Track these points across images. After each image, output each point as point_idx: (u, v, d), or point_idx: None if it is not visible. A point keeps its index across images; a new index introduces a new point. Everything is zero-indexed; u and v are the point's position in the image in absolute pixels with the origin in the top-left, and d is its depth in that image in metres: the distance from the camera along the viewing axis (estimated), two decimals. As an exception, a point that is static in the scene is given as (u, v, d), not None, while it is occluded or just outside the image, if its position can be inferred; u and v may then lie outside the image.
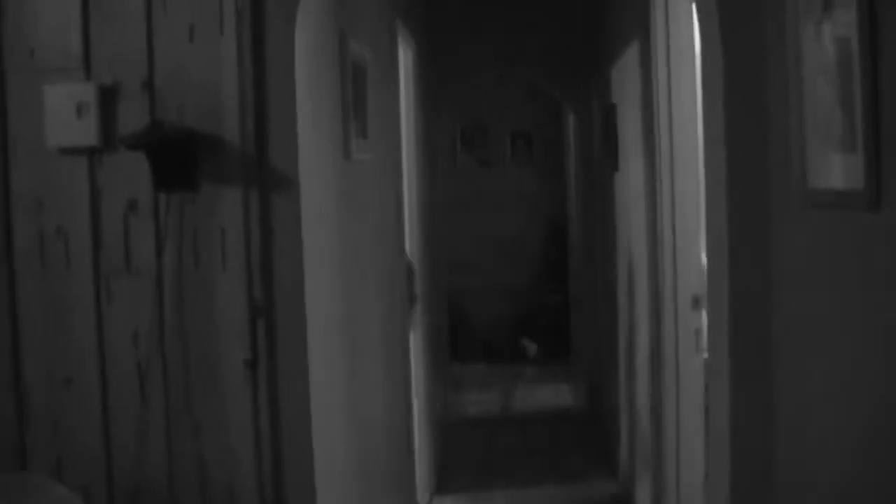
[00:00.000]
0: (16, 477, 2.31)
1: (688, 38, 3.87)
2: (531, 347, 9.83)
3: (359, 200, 3.38)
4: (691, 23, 3.74)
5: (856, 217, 1.88)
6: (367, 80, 3.41)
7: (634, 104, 4.77)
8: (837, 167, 1.95)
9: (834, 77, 1.95)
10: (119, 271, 2.51)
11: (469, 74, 7.40)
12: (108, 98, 2.49)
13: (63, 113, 2.48)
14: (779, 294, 2.44)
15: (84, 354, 2.53)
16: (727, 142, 2.56)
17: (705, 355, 4.03)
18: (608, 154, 5.95)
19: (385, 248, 4.00)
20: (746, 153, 2.53)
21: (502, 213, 9.93)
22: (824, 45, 2.00)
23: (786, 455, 2.42)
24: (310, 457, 2.50)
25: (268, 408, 2.48)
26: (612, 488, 5.92)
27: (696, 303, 4.00)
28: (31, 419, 2.56)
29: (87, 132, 2.48)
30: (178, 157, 2.43)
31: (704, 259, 4.27)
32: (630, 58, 4.89)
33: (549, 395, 8.49)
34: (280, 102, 2.45)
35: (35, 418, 2.56)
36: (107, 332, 2.53)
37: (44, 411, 2.56)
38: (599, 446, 6.82)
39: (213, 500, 2.52)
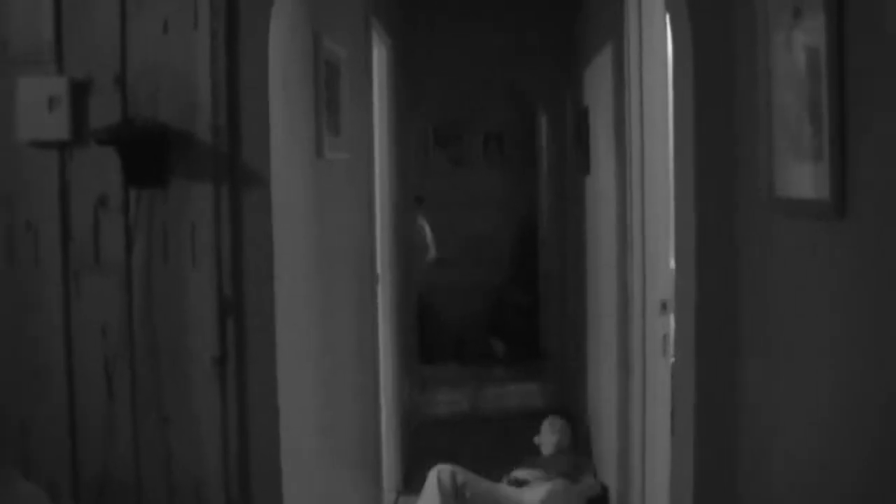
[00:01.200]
0: (-20, 470, 2.30)
1: (661, 43, 3.89)
2: (500, 347, 9.85)
3: (331, 198, 3.38)
4: (665, 28, 3.76)
5: (821, 226, 1.90)
6: (340, 78, 3.41)
7: (607, 107, 4.79)
8: (804, 176, 1.98)
9: (802, 86, 1.97)
10: (88, 266, 2.50)
11: (443, 74, 7.41)
12: (80, 92, 2.48)
13: (35, 106, 2.47)
14: (745, 300, 2.46)
15: (52, 348, 2.52)
16: (696, 149, 2.58)
17: (672, 359, 4.06)
18: (580, 156, 5.97)
19: (355, 246, 4.00)
20: (715, 160, 2.55)
21: (474, 213, 9.95)
22: (794, 53, 2.02)
23: (750, 460, 2.45)
24: (276, 453, 2.51)
25: (236, 404, 2.48)
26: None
27: (664, 307, 4.02)
28: (-4, 413, 2.54)
29: (58, 126, 2.47)
30: (149, 153, 2.43)
31: (673, 264, 4.30)
32: (603, 61, 4.92)
33: (518, 395, 8.50)
34: (253, 99, 2.45)
35: (2, 412, 2.54)
36: (75, 327, 2.52)
37: (10, 405, 2.55)
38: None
39: (180, 494, 2.52)
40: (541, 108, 8.09)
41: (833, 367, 1.87)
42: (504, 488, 5.16)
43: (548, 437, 5.64)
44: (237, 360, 2.48)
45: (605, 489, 5.12)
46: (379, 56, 5.19)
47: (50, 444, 2.54)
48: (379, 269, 5.00)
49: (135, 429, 2.52)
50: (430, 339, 9.51)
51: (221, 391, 2.48)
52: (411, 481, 6.11)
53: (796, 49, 2.01)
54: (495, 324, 9.96)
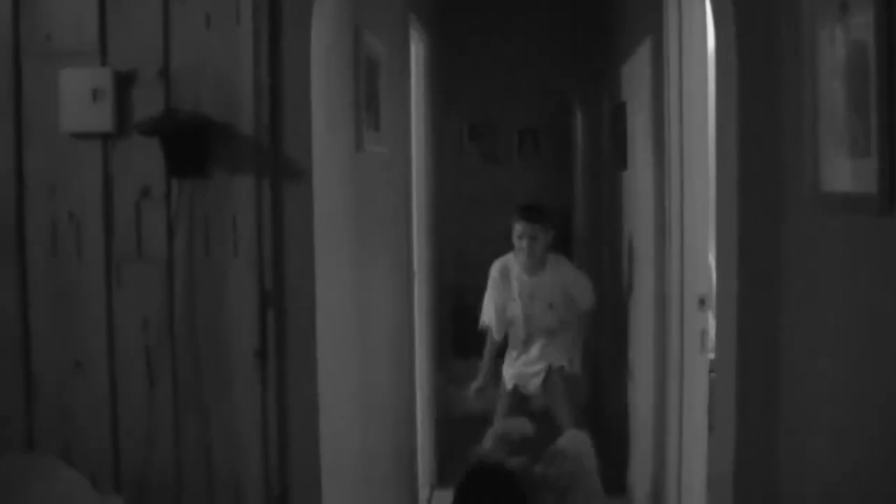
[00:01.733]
0: (24, 458, 2.32)
1: (700, 38, 3.86)
2: (535, 345, 9.80)
3: (369, 192, 3.39)
4: (705, 22, 3.73)
5: (868, 221, 1.88)
6: (379, 74, 3.42)
7: (645, 103, 4.77)
8: (850, 171, 1.95)
9: (849, 80, 1.95)
10: (130, 257, 2.52)
11: (478, 71, 7.40)
12: (124, 84, 2.50)
13: (78, 98, 2.49)
14: (788, 296, 2.44)
15: (93, 340, 2.54)
16: (740, 143, 2.56)
17: (710, 355, 4.04)
18: (616, 152, 5.95)
19: (393, 241, 4.00)
20: (759, 155, 2.53)
21: (509, 209, 9.92)
22: (840, 48, 2.00)
23: (792, 460, 2.43)
24: (316, 448, 2.51)
25: (275, 398, 2.49)
26: (612, 485, 5.91)
27: (702, 303, 4.00)
28: (39, 404, 2.57)
29: (101, 118, 2.49)
30: (191, 145, 2.44)
31: (712, 259, 4.27)
32: (642, 56, 4.89)
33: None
34: (295, 93, 2.46)
35: (43, 403, 2.57)
36: (117, 318, 2.53)
37: (52, 396, 2.57)
38: (602, 443, 6.80)
39: (219, 488, 2.53)
40: (576, 104, 8.07)
41: (878, 365, 1.85)
42: None
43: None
44: (277, 354, 2.49)
45: None
46: (416, 53, 5.19)
47: (91, 435, 2.56)
48: (416, 265, 5.01)
49: (175, 421, 2.53)
50: (463, 336, 9.49)
51: (262, 384, 2.49)
52: (445, 475, 6.11)
53: (843, 44, 1.98)
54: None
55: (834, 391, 2.10)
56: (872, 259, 1.89)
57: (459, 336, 8.92)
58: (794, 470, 2.40)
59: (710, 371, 4.04)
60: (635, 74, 5.21)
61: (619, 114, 5.84)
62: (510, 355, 5.69)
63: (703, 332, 3.99)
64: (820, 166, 2.12)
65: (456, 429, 7.18)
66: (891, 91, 1.77)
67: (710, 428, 3.95)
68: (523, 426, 4.49)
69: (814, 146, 2.14)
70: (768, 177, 2.50)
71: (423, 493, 5.52)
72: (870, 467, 1.90)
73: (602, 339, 7.12)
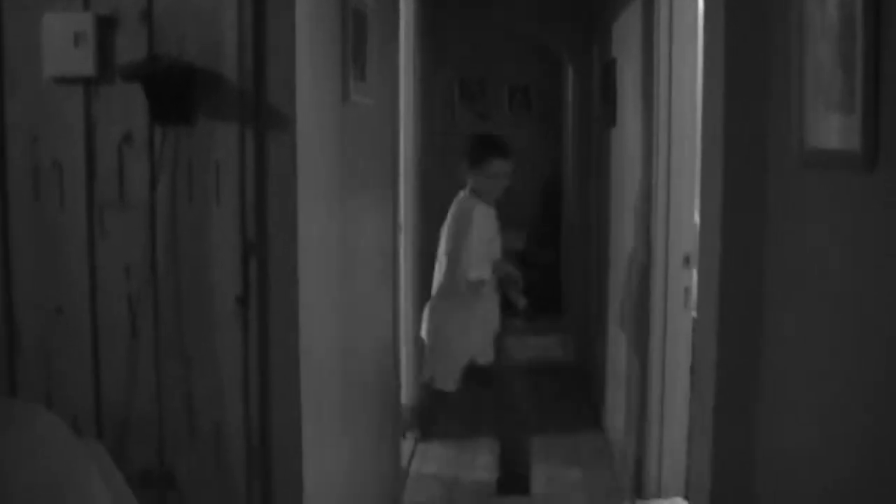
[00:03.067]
0: (4, 403, 2.32)
1: (691, -5, 3.85)
2: (521, 301, 9.85)
3: (355, 142, 3.37)
4: (696, -21, 3.72)
5: (852, 177, 1.89)
6: (367, 25, 3.39)
7: (635, 60, 4.75)
8: (835, 128, 1.96)
9: (836, 38, 1.94)
10: (113, 204, 2.51)
11: (469, 27, 7.36)
12: (106, 28, 2.47)
13: (60, 42, 2.46)
14: (771, 253, 2.45)
15: (76, 286, 2.53)
16: (726, 100, 2.56)
17: (694, 313, 4.06)
18: (606, 109, 5.94)
19: (379, 193, 3.99)
20: (745, 112, 2.53)
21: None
22: (827, 6, 1.99)
23: (769, 417, 2.44)
24: (297, 394, 2.52)
25: (257, 345, 2.49)
26: (597, 442, 5.97)
27: (686, 261, 4.02)
28: (20, 348, 2.56)
29: (83, 62, 2.46)
30: (175, 91, 2.42)
31: (697, 217, 4.28)
32: (633, 13, 4.87)
33: (537, 348, 8.53)
34: (279, 39, 2.43)
35: (25, 348, 2.56)
36: (99, 265, 2.52)
37: (34, 343, 2.56)
38: (586, 400, 6.87)
39: (200, 434, 2.54)
40: (567, 60, 8.03)
41: (861, 321, 1.86)
42: None
43: None
44: (259, 301, 2.48)
45: None
46: (406, 7, 5.15)
47: (73, 382, 2.56)
48: (402, 218, 5.00)
49: (157, 367, 2.53)
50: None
51: (243, 331, 2.49)
52: (430, 428, 6.15)
53: (830, 1, 1.98)
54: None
55: (816, 347, 2.12)
56: (855, 214, 1.90)
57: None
58: (773, 424, 2.42)
59: (694, 329, 4.06)
60: (626, 32, 5.19)
61: (609, 71, 5.82)
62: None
63: (687, 290, 4.01)
64: (805, 124, 2.12)
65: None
66: (876, 48, 1.77)
67: (693, 384, 3.98)
68: None
69: (800, 104, 2.14)
70: (754, 135, 2.50)
71: (408, 445, 5.55)
72: (852, 416, 1.92)
73: (588, 295, 7.15)
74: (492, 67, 9.96)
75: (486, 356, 5.09)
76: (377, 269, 3.95)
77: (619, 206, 5.51)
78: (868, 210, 1.83)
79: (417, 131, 5.80)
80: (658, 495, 4.19)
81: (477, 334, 5.10)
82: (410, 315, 5.65)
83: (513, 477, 5.16)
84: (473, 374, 5.17)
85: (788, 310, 2.31)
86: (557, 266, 9.65)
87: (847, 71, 1.88)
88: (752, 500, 2.54)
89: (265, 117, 2.45)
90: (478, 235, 5.05)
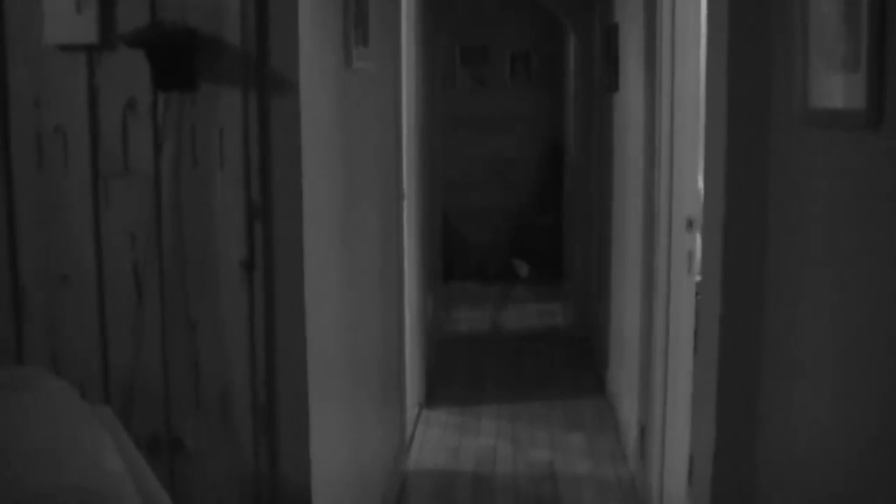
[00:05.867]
0: (12, 369, 2.33)
1: (694, -43, 3.82)
2: (523, 268, 9.88)
3: (358, 108, 3.37)
4: (698, -59, 3.69)
5: (856, 136, 1.88)
6: (369, -10, 3.38)
7: (637, 23, 4.73)
8: (840, 87, 1.95)
9: (840, -5, 1.93)
10: (117, 171, 2.51)
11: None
12: (108, -6, 2.47)
13: (62, 9, 2.46)
14: (775, 215, 2.45)
15: (81, 253, 2.54)
16: (729, 62, 2.55)
17: (697, 277, 4.06)
18: (608, 74, 5.92)
19: (382, 160, 3.99)
20: (748, 73, 2.52)
21: (500, 133, 9.91)
22: (832, -38, 1.98)
23: (773, 381, 2.45)
24: (303, 359, 2.53)
25: (263, 309, 2.50)
26: (600, 407, 6.00)
27: (689, 224, 4.01)
28: (27, 316, 2.58)
29: (86, 29, 2.46)
30: (178, 57, 2.41)
31: (701, 182, 4.27)
32: (635, -23, 4.84)
33: (539, 314, 8.55)
34: (282, 3, 2.43)
35: (32, 315, 2.58)
36: (104, 232, 2.53)
37: (40, 309, 2.58)
38: (588, 365, 6.89)
39: (206, 399, 2.55)
40: (569, 26, 7.99)
41: (866, 282, 1.86)
42: None
43: None
44: (265, 266, 2.49)
45: None
46: (407, -29, 5.13)
47: (79, 348, 2.58)
48: (405, 187, 5.00)
49: (163, 334, 2.55)
50: (453, 258, 9.55)
51: (249, 296, 2.50)
52: (433, 396, 6.18)
53: (835, -43, 1.96)
54: (519, 245, 9.99)
55: (819, 311, 2.12)
56: (860, 174, 1.89)
57: (448, 259, 8.98)
58: (777, 392, 2.43)
59: (697, 294, 4.07)
60: (628, -5, 5.16)
61: (611, 36, 5.80)
62: None
63: (690, 254, 4.01)
64: (809, 83, 2.11)
65: (445, 351, 7.25)
66: (882, 4, 1.76)
67: (696, 349, 3.99)
68: None
69: (804, 62, 2.13)
70: (757, 96, 2.49)
71: (412, 411, 5.58)
72: (857, 386, 1.93)
73: (590, 261, 7.16)
74: (492, 34, 9.92)
75: None
76: (381, 235, 3.96)
77: (621, 171, 5.50)
78: (873, 168, 1.83)
79: (419, 98, 5.78)
80: (662, 460, 4.21)
81: None
82: (414, 280, 5.65)
83: None
84: None
85: (792, 272, 2.32)
86: (559, 232, 9.65)
87: (851, 28, 1.87)
88: (756, 470, 2.56)
89: (268, 82, 2.45)
90: None
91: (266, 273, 2.49)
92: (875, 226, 1.81)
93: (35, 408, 1.90)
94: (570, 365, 6.99)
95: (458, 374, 6.79)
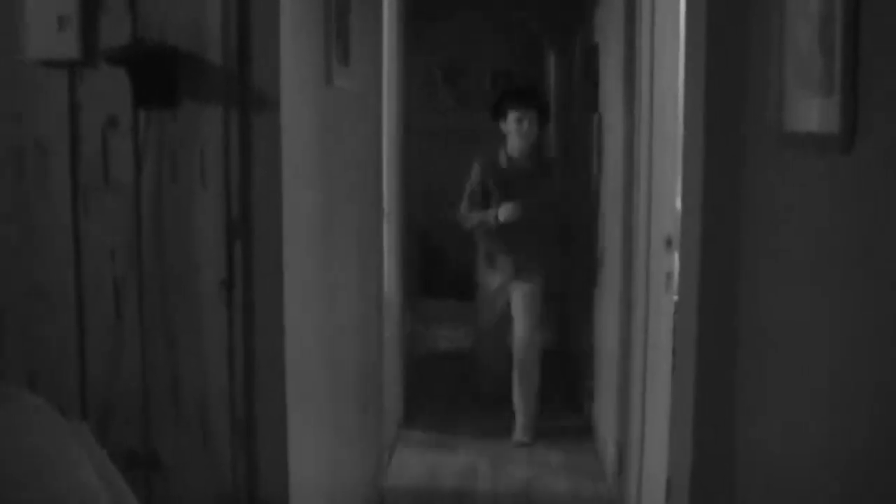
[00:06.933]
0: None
1: (673, -20, 3.86)
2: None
3: (339, 126, 3.38)
4: (677, -36, 3.73)
5: (829, 159, 1.91)
6: (350, 9, 3.40)
7: (617, 44, 4.77)
8: (814, 110, 1.98)
9: (815, 20, 1.96)
10: (97, 187, 2.51)
11: (451, 11, 7.35)
12: (91, 11, 2.47)
13: (44, 25, 2.46)
14: (749, 237, 2.47)
15: (60, 269, 2.54)
16: (706, 83, 2.58)
17: (675, 297, 4.08)
18: (588, 94, 5.95)
19: (362, 178, 4.00)
20: (725, 95, 2.55)
21: (481, 151, 9.90)
22: (808, -12, 2.01)
23: (749, 398, 2.47)
24: (282, 378, 2.53)
25: (242, 327, 2.50)
26: (579, 424, 6.01)
27: (668, 244, 4.04)
28: (5, 331, 2.57)
29: (68, 45, 2.46)
30: (159, 74, 2.42)
31: (679, 202, 4.30)
32: (615, -2, 4.88)
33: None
34: (263, 21, 2.44)
35: (9, 331, 2.57)
36: (83, 248, 2.53)
37: (18, 326, 2.57)
38: (566, 383, 6.90)
39: (185, 415, 2.55)
40: (549, 46, 8.04)
41: (839, 303, 1.89)
42: None
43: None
44: (244, 284, 2.49)
45: None
46: (388, -9, 5.15)
47: (57, 365, 2.57)
48: (385, 204, 5.01)
49: (142, 349, 2.54)
50: (431, 276, 9.54)
51: (228, 314, 2.50)
52: (412, 414, 6.18)
53: (811, -17, 1.99)
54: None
55: (794, 330, 2.14)
56: (834, 197, 1.92)
57: (427, 276, 8.98)
58: (750, 406, 2.45)
59: (676, 312, 4.09)
60: (608, 16, 5.20)
61: (591, 56, 5.83)
62: None
63: (669, 274, 4.03)
64: (785, 105, 2.14)
65: (424, 368, 7.24)
66: (856, 30, 1.79)
67: (673, 368, 4.01)
68: None
69: (779, 86, 2.16)
70: (734, 116, 2.52)
71: (391, 430, 5.57)
72: (829, 401, 1.95)
73: (571, 281, 7.18)
74: (473, 53, 9.96)
75: None
76: (361, 252, 3.96)
77: (601, 190, 5.53)
78: (845, 191, 1.85)
79: (400, 117, 5.80)
80: (640, 477, 4.22)
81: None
82: (395, 298, 5.66)
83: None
84: None
85: (766, 292, 2.34)
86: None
87: (826, 53, 1.90)
88: (734, 489, 2.57)
89: (250, 99, 2.46)
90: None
91: (246, 291, 2.50)
92: (847, 246, 1.84)
93: (10, 423, 1.90)
94: (548, 383, 7.00)
95: (436, 391, 6.78)
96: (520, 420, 5.77)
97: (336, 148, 3.32)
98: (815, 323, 2.00)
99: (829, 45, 1.88)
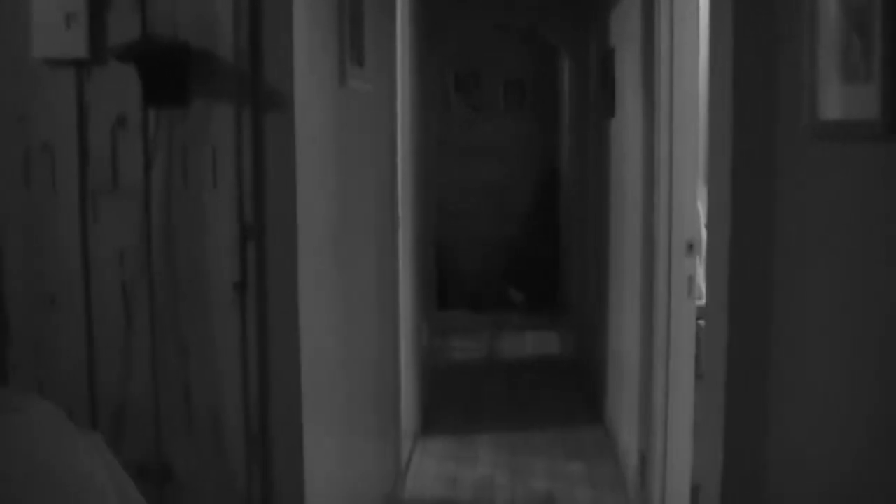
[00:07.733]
0: (-3, 393, 2.26)
1: (693, -23, 3.79)
2: (518, 296, 9.81)
3: (353, 127, 3.31)
4: (697, -39, 3.66)
5: (869, 148, 1.83)
6: (363, 11, 3.33)
7: (635, 46, 4.69)
8: (851, 97, 1.90)
9: (851, 3, 1.89)
10: (106, 189, 2.45)
11: (465, 17, 7.30)
12: (98, 8, 2.41)
13: (51, 23, 2.40)
14: (782, 235, 2.38)
15: (69, 274, 2.47)
16: (734, 75, 2.50)
17: (698, 301, 4.00)
18: (605, 99, 5.88)
19: (377, 184, 3.93)
20: (754, 87, 2.47)
21: (494, 160, 9.86)
22: (841, -29, 1.93)
23: (782, 404, 2.38)
24: (297, 385, 2.46)
25: (256, 332, 2.43)
26: (599, 435, 5.92)
27: (689, 248, 3.96)
28: (12, 338, 2.50)
29: (75, 43, 2.40)
30: (169, 72, 2.36)
31: (700, 205, 4.23)
32: (632, 2, 4.81)
33: (535, 343, 8.48)
34: (276, 17, 2.37)
35: (17, 338, 2.50)
36: (92, 252, 2.46)
37: (26, 333, 2.50)
38: (585, 394, 6.81)
39: (198, 424, 2.47)
40: (563, 52, 7.98)
41: (882, 299, 1.80)
42: None
43: None
44: (258, 287, 2.42)
45: None
46: (402, -2, 5.09)
47: (66, 371, 2.50)
48: (400, 212, 4.93)
49: (153, 357, 2.47)
50: (447, 287, 9.48)
51: (241, 318, 2.43)
52: (429, 425, 6.10)
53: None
54: (513, 273, 9.92)
55: (830, 333, 2.05)
56: (875, 186, 1.83)
57: (441, 287, 8.91)
58: (784, 416, 2.36)
59: (698, 318, 4.01)
60: (625, 19, 5.13)
61: (607, 60, 5.76)
62: None
63: (690, 278, 3.95)
64: (818, 95, 2.06)
65: (441, 380, 7.17)
66: (895, 11, 1.71)
67: (698, 375, 3.92)
68: None
69: (812, 73, 2.08)
70: (763, 111, 2.44)
71: (408, 441, 5.49)
72: (872, 407, 1.86)
73: (587, 288, 7.10)
74: (486, 60, 9.90)
75: None
76: (377, 258, 3.89)
77: (618, 196, 5.45)
78: (887, 178, 1.77)
79: (414, 123, 5.74)
80: (664, 487, 4.13)
81: None
82: (409, 308, 5.58)
83: None
84: None
85: (802, 292, 2.25)
86: (554, 260, 9.59)
87: (863, 37, 1.82)
88: (765, 494, 2.48)
89: (262, 98, 2.39)
90: None
91: (259, 295, 2.42)
92: (891, 237, 1.75)
93: (22, 429, 1.83)
94: (567, 393, 6.91)
95: (453, 402, 6.70)
96: None
97: (351, 149, 3.25)
98: (858, 326, 1.92)
99: (867, 27, 1.80)
